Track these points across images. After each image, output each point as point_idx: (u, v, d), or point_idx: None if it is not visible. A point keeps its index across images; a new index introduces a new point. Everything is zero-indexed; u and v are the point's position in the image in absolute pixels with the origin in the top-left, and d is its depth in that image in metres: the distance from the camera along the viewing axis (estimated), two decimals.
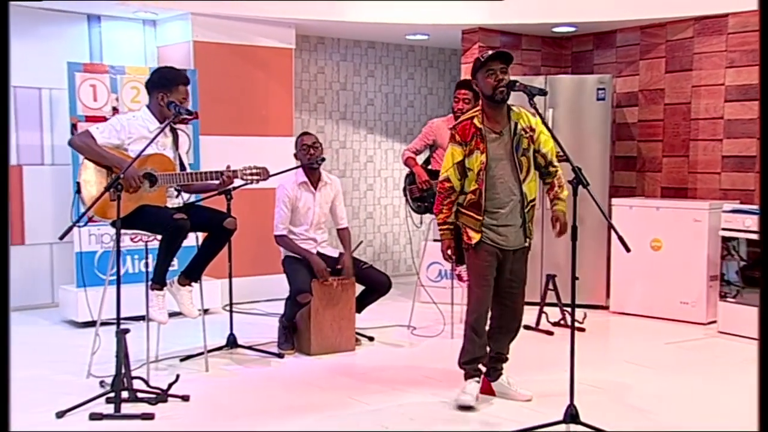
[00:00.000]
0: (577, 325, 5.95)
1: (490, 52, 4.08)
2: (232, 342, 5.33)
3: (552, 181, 4.22)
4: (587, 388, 4.58)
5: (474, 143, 4.06)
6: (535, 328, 5.99)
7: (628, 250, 3.62)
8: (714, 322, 6.16)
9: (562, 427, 3.81)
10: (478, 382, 4.29)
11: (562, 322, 6.08)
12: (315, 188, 5.43)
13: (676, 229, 6.38)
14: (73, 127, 6.07)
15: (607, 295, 6.83)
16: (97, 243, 6.20)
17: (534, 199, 4.19)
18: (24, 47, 6.60)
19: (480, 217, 4.10)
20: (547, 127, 4.09)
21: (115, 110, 6.17)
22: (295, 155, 5.51)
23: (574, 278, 3.80)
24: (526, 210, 4.13)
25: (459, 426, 4.01)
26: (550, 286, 6.10)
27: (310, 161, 5.34)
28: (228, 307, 6.74)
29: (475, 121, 4.10)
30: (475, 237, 4.11)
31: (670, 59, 7.08)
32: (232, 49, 6.98)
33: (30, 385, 4.59)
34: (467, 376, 4.28)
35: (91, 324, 5.28)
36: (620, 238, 3.61)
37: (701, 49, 6.83)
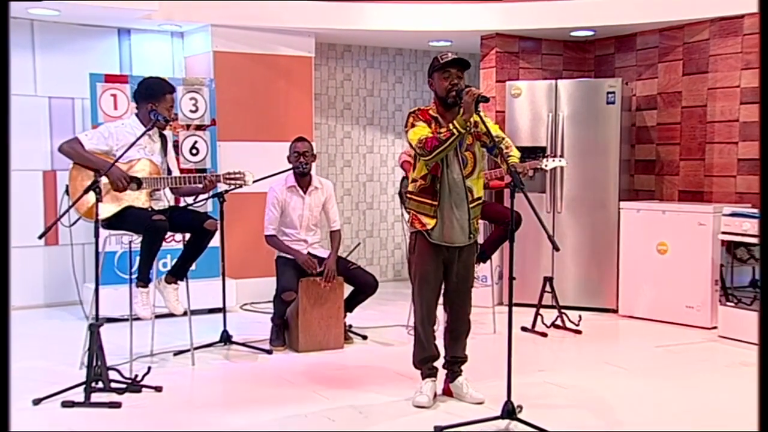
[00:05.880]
0: (572, 327, 6.06)
1: (450, 56, 4.14)
2: (226, 338, 5.57)
3: (500, 147, 4.10)
4: (552, 389, 4.64)
5: (433, 128, 4.11)
6: (531, 330, 6.03)
7: (557, 249, 3.68)
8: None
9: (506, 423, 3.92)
10: (434, 381, 4.41)
11: (558, 323, 6.10)
12: (305, 192, 5.63)
13: (682, 233, 6.31)
14: None
15: (617, 299, 6.79)
16: (117, 243, 6.52)
17: (480, 198, 4.25)
18: (58, 60, 7.07)
19: (435, 202, 4.13)
20: (484, 123, 4.12)
21: None
22: (288, 158, 5.69)
23: (511, 278, 3.87)
24: (471, 206, 4.18)
25: (399, 422, 4.11)
26: (547, 289, 6.12)
27: (297, 167, 5.55)
28: (243, 306, 7.13)
29: (431, 112, 4.19)
30: (431, 222, 4.15)
31: (687, 61, 6.98)
32: (252, 58, 7.27)
33: (26, 375, 4.91)
34: (423, 376, 4.41)
35: (112, 320, 5.78)
36: (549, 237, 3.67)
37: (717, 51, 6.71)
